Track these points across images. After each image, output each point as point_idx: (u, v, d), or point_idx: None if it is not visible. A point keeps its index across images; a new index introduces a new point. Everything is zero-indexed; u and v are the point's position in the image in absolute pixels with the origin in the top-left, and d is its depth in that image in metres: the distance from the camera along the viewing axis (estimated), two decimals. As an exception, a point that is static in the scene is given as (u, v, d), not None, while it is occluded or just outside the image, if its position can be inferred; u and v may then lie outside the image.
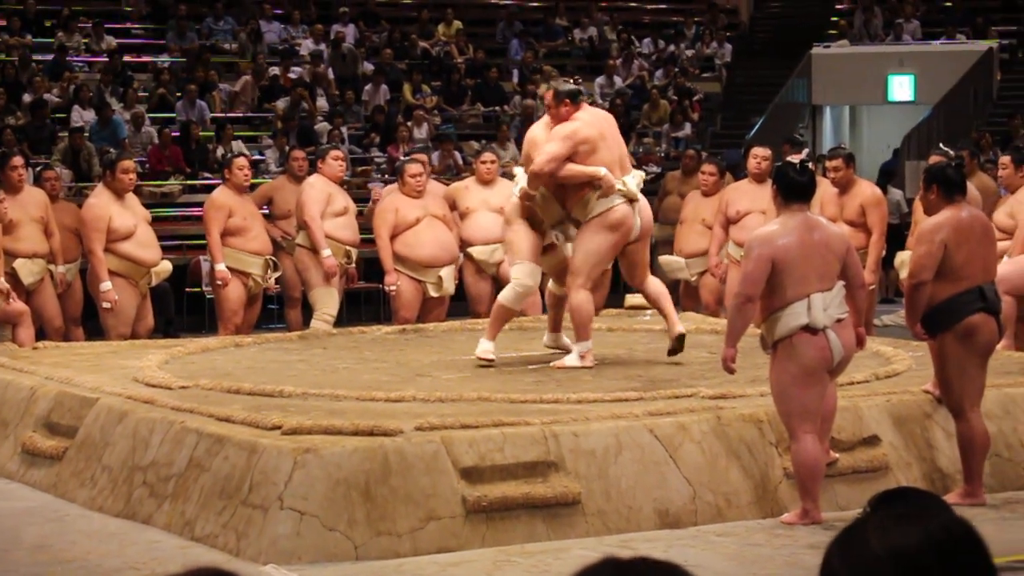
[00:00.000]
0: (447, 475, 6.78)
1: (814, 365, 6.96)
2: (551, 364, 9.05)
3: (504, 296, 9.17)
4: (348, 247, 11.74)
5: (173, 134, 18.93)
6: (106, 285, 11.05)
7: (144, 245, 11.29)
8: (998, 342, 7.79)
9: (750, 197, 11.83)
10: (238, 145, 18.83)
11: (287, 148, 16.40)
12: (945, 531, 2.09)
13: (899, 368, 8.69)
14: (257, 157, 18.97)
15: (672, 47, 25.26)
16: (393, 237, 11.55)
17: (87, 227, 11.12)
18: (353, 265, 11.97)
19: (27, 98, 19.42)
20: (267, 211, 12.73)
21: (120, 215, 11.14)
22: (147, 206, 12.25)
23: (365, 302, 15.67)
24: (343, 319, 12.55)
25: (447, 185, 12.78)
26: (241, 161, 11.95)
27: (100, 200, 11.21)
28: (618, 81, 23.45)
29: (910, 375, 8.51)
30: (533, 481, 6.91)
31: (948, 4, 26.91)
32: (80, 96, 19.51)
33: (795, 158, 7.49)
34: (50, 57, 20.83)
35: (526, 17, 25.63)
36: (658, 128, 22.47)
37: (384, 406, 7.63)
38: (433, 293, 11.65)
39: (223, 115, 20.42)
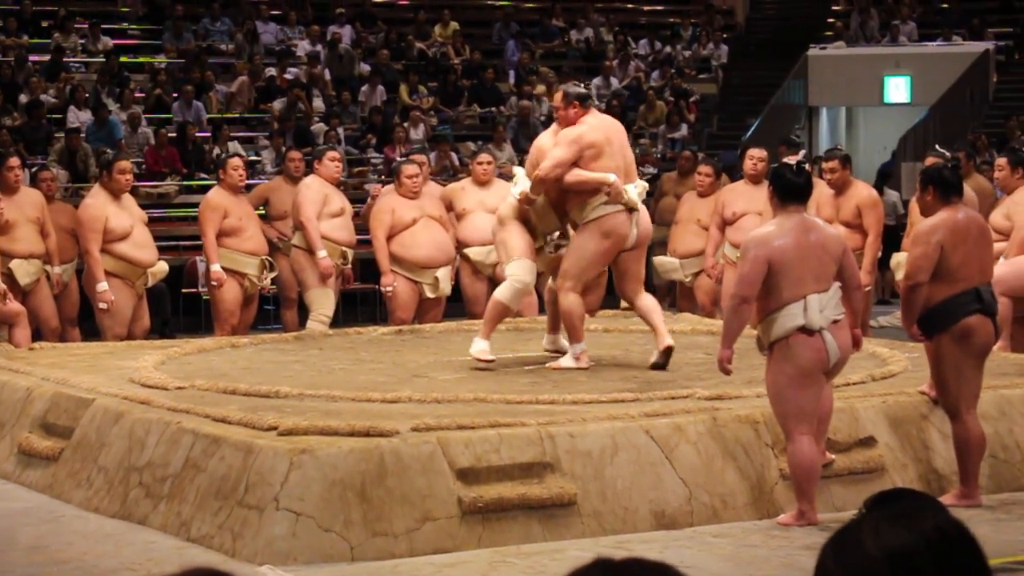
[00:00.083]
0: (443, 476, 6.78)
1: (810, 366, 6.96)
2: (547, 365, 9.04)
3: (501, 292, 9.05)
4: (344, 248, 11.74)
5: (169, 135, 18.93)
6: (102, 286, 11.05)
7: (140, 246, 11.29)
8: (994, 344, 7.80)
9: (746, 198, 11.83)
10: (234, 146, 18.82)
11: (283, 149, 16.41)
12: (940, 532, 2.10)
13: (895, 369, 8.69)
14: (253, 158, 18.97)
15: (668, 48, 25.27)
16: (389, 238, 11.55)
17: (83, 228, 11.12)
18: (349, 266, 11.97)
19: (23, 99, 19.42)
20: (263, 212, 12.73)
21: (116, 216, 11.14)
22: (143, 207, 12.26)
23: (361, 303, 15.67)
24: (339, 320, 12.55)
25: (443, 186, 12.78)
26: (236, 161, 11.95)
27: (96, 201, 11.21)
28: (614, 82, 23.46)
29: (906, 376, 8.51)
30: (529, 482, 6.92)
31: (944, 6, 26.93)
32: (76, 97, 19.50)
33: (791, 159, 7.51)
34: (46, 58, 20.82)
35: (522, 18, 25.64)
36: (654, 129, 22.49)
37: (380, 407, 7.63)
38: (429, 294, 11.65)
39: (219, 116, 20.42)
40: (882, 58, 24.73)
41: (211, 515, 6.82)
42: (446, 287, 11.73)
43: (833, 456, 7.44)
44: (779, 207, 7.15)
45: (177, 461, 7.17)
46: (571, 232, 9.10)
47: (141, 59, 22.12)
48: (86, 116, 19.21)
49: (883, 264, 12.92)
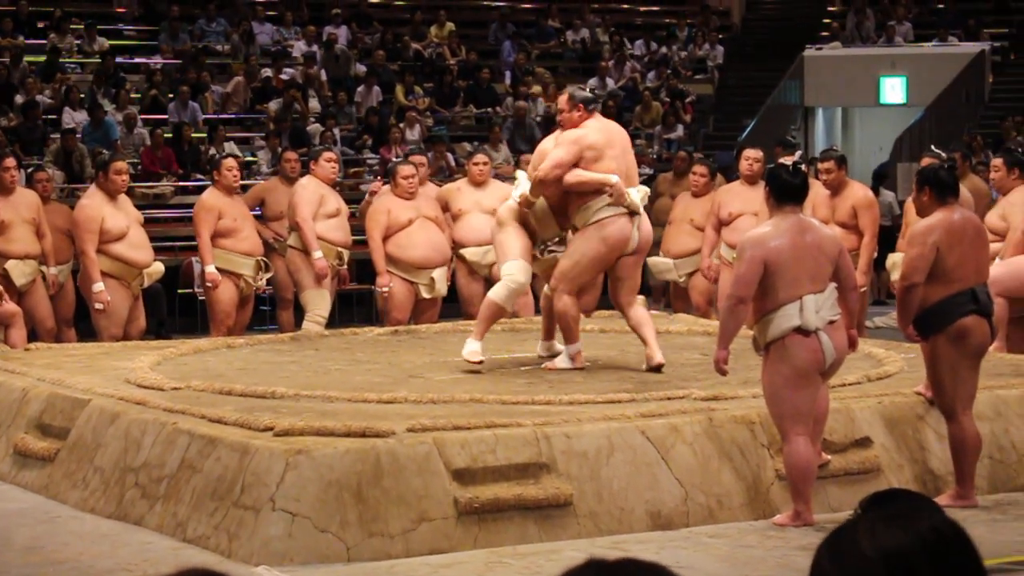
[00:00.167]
0: (439, 476, 6.78)
1: (806, 367, 6.96)
2: (543, 365, 9.04)
3: (496, 293, 8.98)
4: (340, 248, 11.74)
5: (165, 135, 18.91)
6: (98, 286, 11.05)
7: (136, 246, 11.28)
8: (990, 344, 7.80)
9: (742, 199, 11.82)
10: (230, 146, 18.81)
11: (279, 149, 16.39)
12: (935, 533, 2.10)
13: (891, 370, 8.69)
14: (249, 158, 18.97)
15: (664, 49, 25.28)
16: (385, 238, 11.55)
17: (79, 228, 11.11)
18: (345, 267, 11.97)
19: (19, 99, 19.40)
20: (259, 212, 12.72)
21: (113, 216, 11.14)
22: (139, 207, 12.26)
23: (357, 303, 15.66)
24: (335, 320, 12.55)
25: (439, 186, 12.78)
26: (230, 162, 11.94)
27: (92, 201, 11.20)
28: (610, 83, 23.45)
29: (902, 377, 8.51)
30: (525, 483, 6.92)
31: (940, 6, 26.95)
32: (72, 97, 19.49)
33: (787, 160, 7.51)
34: (42, 58, 20.81)
35: (518, 19, 25.64)
36: (650, 130, 22.49)
37: (376, 407, 7.63)
38: (425, 294, 11.64)
39: (215, 116, 20.42)
40: (878, 59, 24.74)
41: (207, 516, 6.82)
42: (442, 288, 11.72)
43: (829, 457, 7.44)
44: (775, 208, 7.15)
45: (173, 462, 7.16)
46: (570, 237, 9.06)
47: (137, 60, 22.11)
48: (82, 117, 19.20)
49: (879, 265, 12.92)
